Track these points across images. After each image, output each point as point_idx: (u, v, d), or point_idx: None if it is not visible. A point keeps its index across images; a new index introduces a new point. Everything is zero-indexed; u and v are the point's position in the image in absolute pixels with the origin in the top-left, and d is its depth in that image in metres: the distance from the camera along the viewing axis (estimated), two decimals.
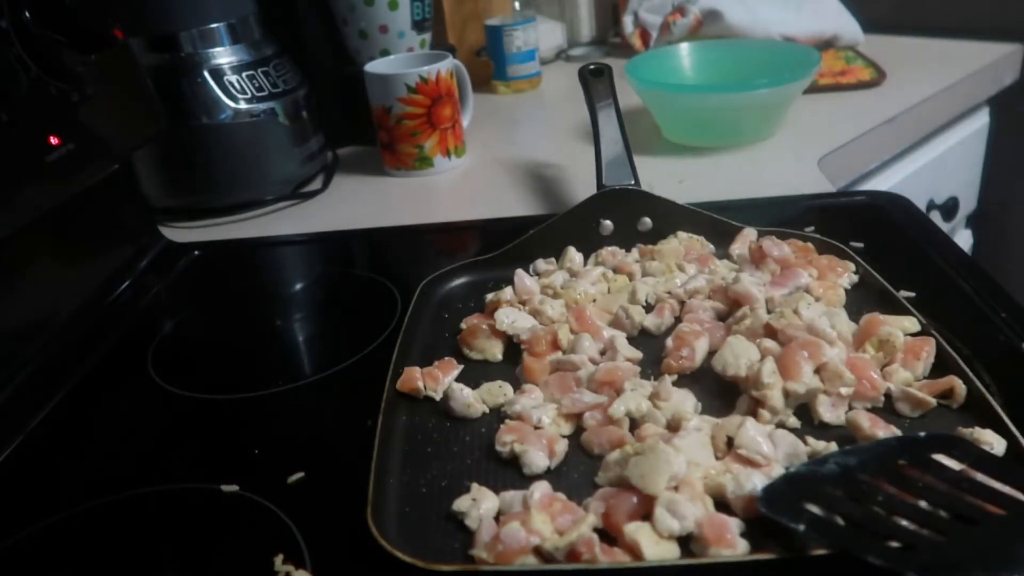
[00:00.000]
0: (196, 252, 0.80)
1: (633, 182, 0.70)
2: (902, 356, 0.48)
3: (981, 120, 1.24)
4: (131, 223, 0.78)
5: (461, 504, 0.41)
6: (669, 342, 0.52)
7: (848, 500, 0.37)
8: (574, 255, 0.65)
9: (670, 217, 0.67)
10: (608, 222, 0.68)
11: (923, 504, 0.37)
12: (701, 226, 0.67)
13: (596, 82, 0.82)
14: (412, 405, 0.51)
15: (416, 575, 0.37)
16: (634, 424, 0.46)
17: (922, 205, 1.08)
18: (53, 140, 0.60)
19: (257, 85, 0.87)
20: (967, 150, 1.23)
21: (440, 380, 0.52)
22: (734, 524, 0.38)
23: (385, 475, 0.44)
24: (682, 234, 0.66)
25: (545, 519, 0.39)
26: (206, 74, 0.84)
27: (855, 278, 0.59)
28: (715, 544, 0.37)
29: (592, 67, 0.84)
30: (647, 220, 0.68)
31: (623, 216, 0.68)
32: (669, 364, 0.51)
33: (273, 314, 0.71)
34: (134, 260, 0.75)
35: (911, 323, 0.51)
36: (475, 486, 0.43)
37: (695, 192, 0.75)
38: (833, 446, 0.42)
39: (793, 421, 0.46)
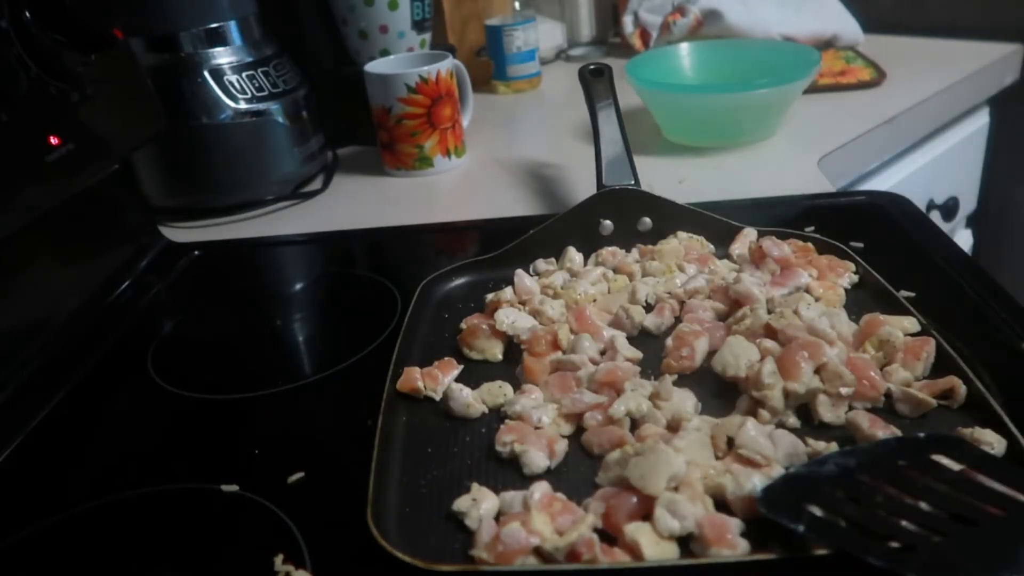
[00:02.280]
0: (196, 252, 0.80)
1: (633, 182, 0.70)
2: (902, 356, 0.48)
3: (981, 120, 1.24)
4: (131, 223, 0.78)
5: (461, 504, 0.41)
6: (669, 342, 0.52)
7: (848, 501, 0.37)
8: (574, 255, 0.65)
9: (670, 217, 0.67)
10: (608, 222, 0.68)
11: (923, 505, 0.37)
12: (701, 226, 0.67)
13: (596, 82, 0.82)
14: (412, 405, 0.51)
15: (416, 575, 0.37)
16: (634, 424, 0.46)
17: (922, 205, 1.08)
18: (53, 140, 0.60)
19: (257, 85, 0.87)
20: (967, 150, 1.23)
21: (440, 380, 0.52)
22: (734, 524, 0.38)
23: (385, 475, 0.44)
24: (682, 234, 0.66)
25: (545, 519, 0.39)
26: (206, 74, 0.84)
27: (855, 278, 0.59)
28: (715, 544, 0.37)
29: (592, 67, 0.84)
30: (647, 220, 0.68)
31: (623, 216, 0.68)
32: (669, 364, 0.51)
33: (273, 314, 0.71)
34: (134, 260, 0.75)
35: (911, 323, 0.51)
36: (475, 486, 0.43)
37: (695, 192, 0.75)
38: (833, 446, 0.42)
39: (793, 421, 0.46)
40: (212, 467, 0.48)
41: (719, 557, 0.37)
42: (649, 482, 0.39)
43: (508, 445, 0.45)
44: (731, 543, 0.37)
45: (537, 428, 0.47)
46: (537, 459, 0.44)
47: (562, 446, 0.45)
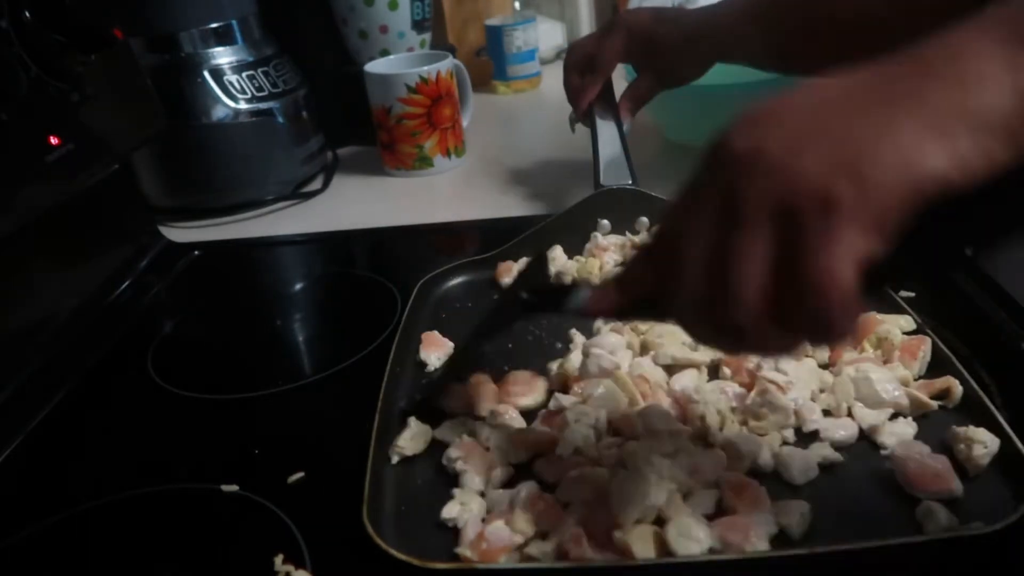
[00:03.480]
0: (196, 252, 0.80)
1: (631, 182, 0.70)
2: (899, 355, 0.48)
3: None
4: (131, 223, 0.78)
5: (450, 509, 0.41)
6: None
7: None
8: (560, 254, 0.65)
9: None
10: (606, 221, 0.68)
11: None
12: None
13: None
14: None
15: (414, 574, 0.37)
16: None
17: None
18: (53, 140, 0.60)
19: (257, 85, 0.87)
20: None
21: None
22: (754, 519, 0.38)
23: (381, 475, 0.44)
24: None
25: (528, 518, 0.39)
26: (206, 74, 0.84)
27: None
28: (742, 543, 0.37)
29: None
30: (645, 220, 0.68)
31: (621, 216, 0.68)
32: None
33: (273, 314, 0.71)
34: (134, 260, 0.75)
35: (907, 322, 0.51)
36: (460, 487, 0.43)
37: None
38: None
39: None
40: (212, 467, 0.48)
41: (718, 556, 0.37)
42: (622, 510, 0.38)
43: (453, 462, 0.45)
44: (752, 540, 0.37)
45: (486, 450, 0.45)
46: (473, 482, 0.43)
47: (500, 474, 0.44)
